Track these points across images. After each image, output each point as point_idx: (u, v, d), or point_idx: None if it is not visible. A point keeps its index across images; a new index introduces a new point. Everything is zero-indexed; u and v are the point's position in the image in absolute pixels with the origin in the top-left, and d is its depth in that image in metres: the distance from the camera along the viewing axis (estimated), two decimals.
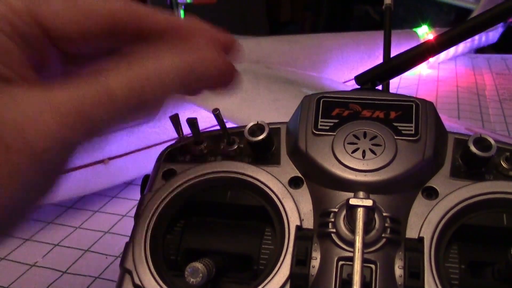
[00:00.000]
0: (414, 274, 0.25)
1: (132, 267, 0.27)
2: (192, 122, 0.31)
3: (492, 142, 0.27)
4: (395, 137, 0.28)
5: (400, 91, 0.98)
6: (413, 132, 0.28)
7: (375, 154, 0.28)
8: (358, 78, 0.35)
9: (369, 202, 0.24)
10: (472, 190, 0.27)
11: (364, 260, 0.24)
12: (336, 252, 0.26)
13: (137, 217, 0.29)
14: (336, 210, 0.27)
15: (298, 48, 0.91)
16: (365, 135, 0.29)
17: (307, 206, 0.28)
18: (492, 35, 1.30)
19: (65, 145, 0.21)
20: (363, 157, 0.28)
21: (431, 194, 0.28)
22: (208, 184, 0.29)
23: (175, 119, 0.33)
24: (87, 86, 0.21)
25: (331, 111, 0.30)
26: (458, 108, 0.90)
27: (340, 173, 0.27)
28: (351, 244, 0.24)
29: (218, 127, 0.31)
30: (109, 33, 0.24)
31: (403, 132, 0.29)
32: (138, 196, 0.31)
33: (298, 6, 2.03)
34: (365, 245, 0.24)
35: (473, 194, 0.27)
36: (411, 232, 0.26)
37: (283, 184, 0.28)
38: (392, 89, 0.38)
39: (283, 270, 0.25)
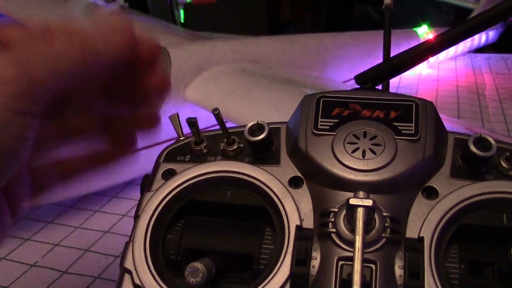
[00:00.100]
0: (414, 274, 0.25)
1: (132, 267, 0.27)
2: (192, 122, 0.31)
3: (492, 142, 0.27)
4: (395, 137, 0.28)
5: (400, 91, 0.98)
6: (413, 131, 0.28)
7: (375, 154, 0.28)
8: (358, 78, 0.35)
9: (369, 202, 0.24)
10: (472, 190, 0.27)
11: (364, 260, 0.24)
12: (336, 252, 0.26)
13: (137, 217, 0.29)
14: (336, 210, 0.27)
15: (298, 48, 0.91)
16: (365, 134, 0.29)
17: (307, 206, 0.28)
18: (492, 35, 1.30)
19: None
20: (363, 156, 0.28)
21: (431, 194, 0.28)
22: (208, 184, 0.29)
23: (174, 119, 0.33)
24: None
25: (331, 110, 0.30)
26: (458, 107, 0.90)
27: (340, 173, 0.27)
28: (351, 244, 0.24)
29: (218, 127, 0.31)
30: None
31: (403, 131, 0.29)
32: (138, 195, 0.31)
33: (298, 6, 2.03)
34: (365, 245, 0.24)
35: (473, 194, 0.27)
36: (411, 232, 0.26)
37: (283, 184, 0.28)
38: (392, 89, 0.38)
39: (283, 270, 0.25)
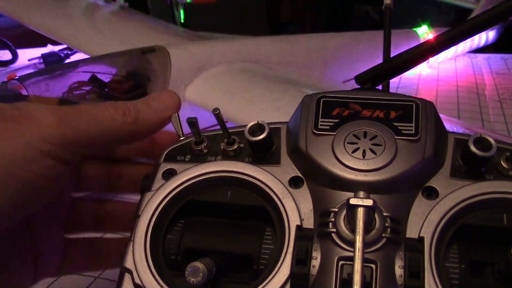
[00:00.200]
0: (414, 274, 0.25)
1: (132, 267, 0.27)
2: (192, 122, 0.31)
3: (492, 142, 0.27)
4: (395, 137, 0.28)
5: (400, 91, 0.98)
6: (413, 132, 0.28)
7: (375, 154, 0.28)
8: (358, 78, 0.35)
9: (369, 202, 0.24)
10: (472, 190, 0.27)
11: (365, 260, 0.24)
12: (336, 251, 0.26)
13: (137, 216, 0.29)
14: (336, 209, 0.27)
15: (298, 48, 0.91)
16: (365, 134, 0.29)
17: (307, 206, 0.28)
18: (492, 35, 1.30)
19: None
20: (363, 156, 0.28)
21: (431, 194, 0.28)
22: (208, 184, 0.29)
23: (175, 119, 0.33)
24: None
25: (331, 110, 0.30)
26: (458, 107, 0.90)
27: (340, 172, 0.27)
28: (352, 243, 0.24)
29: (218, 127, 0.31)
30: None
31: (403, 132, 0.29)
32: (138, 196, 0.31)
33: (298, 6, 2.03)
34: (365, 244, 0.24)
35: (473, 194, 0.27)
36: (411, 232, 0.26)
37: (283, 184, 0.28)
38: (392, 89, 0.38)
39: (284, 270, 0.25)
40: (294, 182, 0.29)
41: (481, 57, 1.24)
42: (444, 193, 0.27)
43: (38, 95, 0.62)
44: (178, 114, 0.34)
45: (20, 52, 1.15)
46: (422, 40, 1.02)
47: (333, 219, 0.26)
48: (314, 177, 0.28)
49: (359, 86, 0.35)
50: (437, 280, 0.24)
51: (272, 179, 0.28)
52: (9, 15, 1.06)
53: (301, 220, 0.27)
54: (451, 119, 0.72)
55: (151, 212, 0.28)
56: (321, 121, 0.30)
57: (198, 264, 0.25)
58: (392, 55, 0.35)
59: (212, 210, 0.29)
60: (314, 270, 0.25)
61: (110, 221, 0.37)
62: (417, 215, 0.27)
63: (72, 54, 1.08)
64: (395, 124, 0.29)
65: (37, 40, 1.11)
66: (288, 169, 0.29)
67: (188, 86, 0.73)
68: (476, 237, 0.27)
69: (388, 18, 0.37)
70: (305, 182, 0.29)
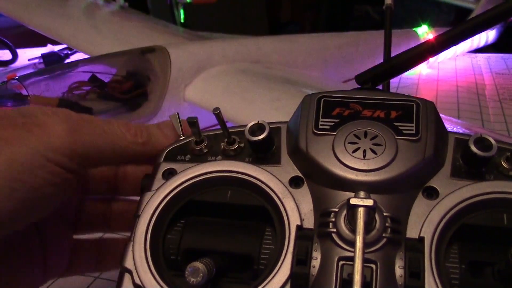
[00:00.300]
0: (415, 274, 0.25)
1: (132, 267, 0.27)
2: (193, 122, 0.31)
3: (493, 142, 0.27)
4: (396, 137, 0.28)
5: (400, 91, 0.98)
6: (413, 132, 0.28)
7: (375, 153, 0.28)
8: (358, 78, 0.35)
9: (369, 202, 0.24)
10: (473, 190, 0.27)
11: (365, 260, 0.24)
12: (336, 252, 0.26)
13: (137, 216, 0.29)
14: (336, 209, 0.26)
15: (298, 48, 0.91)
16: (365, 134, 0.29)
17: (307, 206, 0.28)
18: (492, 35, 1.30)
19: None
20: (364, 156, 0.28)
21: (432, 194, 0.27)
22: (208, 184, 0.29)
23: (175, 118, 0.33)
24: None
25: (331, 110, 0.30)
26: (458, 107, 0.90)
27: (340, 172, 0.27)
28: (352, 244, 0.24)
29: (218, 127, 0.31)
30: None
31: (404, 132, 0.29)
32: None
33: (298, 6, 2.03)
34: (366, 244, 0.24)
35: (474, 194, 0.27)
36: (412, 232, 0.26)
37: (283, 183, 0.28)
38: (392, 89, 0.38)
39: (284, 270, 0.25)
40: (295, 182, 0.29)
41: (481, 57, 1.24)
42: (444, 193, 0.27)
43: (38, 95, 0.62)
44: (178, 113, 0.34)
45: (20, 52, 1.15)
46: (422, 40, 1.02)
47: (333, 219, 0.26)
48: (314, 177, 0.28)
49: (360, 86, 0.35)
50: (437, 280, 0.24)
51: (272, 179, 0.28)
52: (9, 15, 1.06)
53: (301, 220, 0.27)
54: (451, 119, 0.72)
55: (151, 212, 0.28)
56: (321, 121, 0.30)
57: (198, 264, 0.25)
58: (392, 55, 0.35)
59: (212, 210, 0.29)
60: (314, 270, 0.25)
61: (117, 221, 0.38)
62: (418, 215, 0.27)
63: (72, 54, 1.08)
64: (396, 124, 0.29)
65: (37, 40, 1.11)
66: (289, 169, 0.29)
67: (188, 86, 0.73)
68: (477, 237, 0.27)
69: (389, 18, 0.37)
70: (305, 182, 0.29)
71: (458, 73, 1.11)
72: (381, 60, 0.36)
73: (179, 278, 0.27)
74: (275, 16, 2.02)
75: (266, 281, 0.25)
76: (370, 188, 0.26)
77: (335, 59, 0.95)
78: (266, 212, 0.28)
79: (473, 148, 0.27)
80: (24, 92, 0.61)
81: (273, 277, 0.25)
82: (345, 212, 0.26)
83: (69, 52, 1.08)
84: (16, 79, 0.63)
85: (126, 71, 0.71)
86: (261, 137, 0.29)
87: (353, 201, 0.24)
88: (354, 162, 0.28)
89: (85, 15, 1.08)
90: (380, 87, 0.36)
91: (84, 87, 0.67)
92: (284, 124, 0.32)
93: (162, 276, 0.26)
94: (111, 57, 0.73)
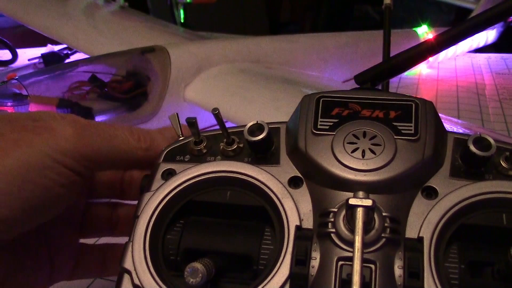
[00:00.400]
0: (414, 274, 0.25)
1: (132, 267, 0.27)
2: (192, 122, 0.31)
3: (492, 141, 0.27)
4: (395, 137, 0.28)
5: (399, 91, 0.98)
6: (412, 131, 0.28)
7: (374, 153, 0.28)
8: (357, 78, 0.35)
9: (368, 202, 0.24)
10: (472, 189, 0.27)
11: (364, 260, 0.24)
12: (335, 252, 0.26)
13: (136, 217, 0.29)
14: (335, 210, 0.26)
15: (298, 48, 0.91)
16: (364, 134, 0.29)
17: (306, 206, 0.28)
18: (492, 35, 1.30)
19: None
20: (363, 156, 0.28)
21: (431, 193, 0.27)
22: (208, 184, 0.29)
23: (174, 119, 0.33)
24: None
25: (330, 110, 0.30)
26: (457, 107, 0.90)
27: (339, 172, 0.27)
28: (351, 244, 0.24)
29: (217, 127, 0.31)
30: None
31: (403, 131, 0.29)
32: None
33: (298, 6, 2.03)
34: (365, 245, 0.24)
35: (473, 193, 0.27)
36: (411, 232, 0.26)
37: (282, 184, 0.28)
38: (391, 89, 0.38)
39: (283, 270, 0.25)
40: (294, 182, 0.29)
41: (481, 57, 1.24)
42: (443, 193, 0.27)
43: (38, 95, 0.62)
44: (177, 114, 0.34)
45: (20, 52, 1.15)
46: (422, 40, 1.02)
47: (332, 219, 0.26)
48: (313, 177, 0.28)
49: (359, 86, 0.35)
50: (436, 280, 0.24)
51: (272, 179, 0.28)
52: (9, 15, 1.06)
53: (301, 220, 0.27)
54: (451, 119, 0.72)
55: (150, 213, 0.28)
56: (320, 121, 0.30)
57: (198, 265, 0.25)
58: (392, 55, 0.35)
59: (212, 210, 0.29)
60: (313, 271, 0.25)
61: (122, 225, 0.38)
62: (417, 215, 0.27)
63: (72, 54, 1.08)
64: (395, 124, 0.29)
65: (37, 40, 1.11)
66: (288, 169, 0.29)
67: (188, 86, 0.73)
68: (476, 237, 0.27)
69: (387, 17, 0.37)
70: (304, 182, 0.29)
71: (458, 73, 1.11)
72: (381, 60, 0.36)
73: (178, 278, 0.27)
74: (275, 16, 2.02)
75: (266, 281, 0.25)
76: (369, 188, 0.26)
77: (335, 59, 0.95)
78: (265, 212, 0.28)
79: (472, 148, 0.27)
80: (24, 92, 0.62)
81: (272, 277, 0.25)
82: (344, 212, 0.26)
83: (69, 52, 1.08)
84: (16, 79, 0.63)
85: (126, 71, 0.71)
86: (260, 137, 0.29)
87: (352, 201, 0.24)
88: (353, 162, 0.28)
89: (85, 15, 1.08)
90: (379, 87, 0.36)
91: (84, 87, 0.67)
92: (283, 124, 0.32)
93: (161, 276, 0.26)
94: (111, 57, 0.73)
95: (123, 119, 0.67)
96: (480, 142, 0.27)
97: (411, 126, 0.29)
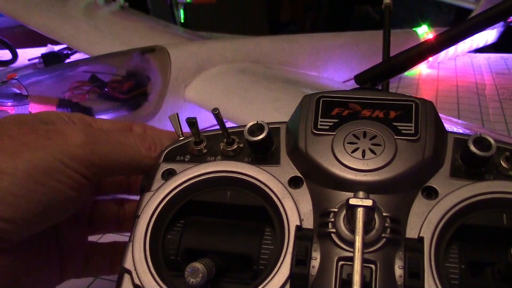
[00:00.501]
0: (414, 274, 0.25)
1: (132, 267, 0.27)
2: (192, 122, 0.31)
3: (492, 141, 0.27)
4: (395, 137, 0.28)
5: (399, 91, 0.98)
6: (413, 131, 0.28)
7: (375, 153, 0.28)
8: (357, 78, 0.35)
9: (369, 202, 0.24)
10: (472, 190, 0.27)
11: (364, 260, 0.24)
12: (336, 252, 0.26)
13: (137, 217, 0.29)
14: (336, 210, 0.26)
15: (298, 48, 0.91)
16: (364, 134, 0.29)
17: (307, 206, 0.28)
18: (492, 35, 1.30)
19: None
20: (363, 156, 0.28)
21: (431, 194, 0.27)
22: (208, 184, 0.29)
23: (174, 119, 0.33)
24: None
25: (330, 110, 0.30)
26: (458, 107, 0.90)
27: (339, 172, 0.27)
28: (351, 244, 0.24)
29: (217, 127, 0.31)
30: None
31: (403, 131, 0.29)
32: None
33: (298, 6, 2.03)
34: (365, 245, 0.24)
35: (473, 194, 0.27)
36: (411, 232, 0.26)
37: (282, 184, 0.28)
38: (391, 89, 0.38)
39: (283, 270, 0.25)
40: (294, 182, 0.29)
41: (481, 57, 1.24)
42: (443, 193, 0.27)
43: (38, 95, 0.62)
44: (177, 114, 0.34)
45: (20, 52, 1.15)
46: (422, 40, 1.02)
47: (332, 219, 0.26)
48: (313, 177, 0.28)
49: (359, 86, 0.35)
50: (436, 281, 0.24)
51: (272, 179, 0.28)
52: (9, 15, 1.06)
53: (301, 220, 0.27)
54: (451, 119, 0.72)
55: (151, 213, 0.28)
56: (320, 121, 0.30)
57: (198, 265, 0.25)
58: (392, 55, 0.35)
59: (212, 210, 0.29)
60: (313, 271, 0.25)
61: (129, 221, 0.38)
62: (417, 215, 0.27)
63: (72, 54, 1.08)
64: (395, 124, 0.29)
65: (37, 40, 1.11)
66: (288, 169, 0.29)
67: (188, 86, 0.73)
68: (476, 237, 0.27)
69: (387, 17, 0.37)
70: (304, 182, 0.29)
71: (458, 73, 1.11)
72: (381, 60, 0.36)
73: (178, 278, 0.27)
74: (275, 16, 2.02)
75: (266, 281, 0.25)
76: (369, 188, 0.26)
77: (335, 59, 0.95)
78: (266, 212, 0.28)
79: (472, 148, 0.27)
80: (24, 92, 0.62)
81: (272, 277, 0.25)
82: (344, 212, 0.26)
83: (69, 52, 1.08)
84: (16, 79, 0.63)
85: (126, 71, 0.71)
86: (260, 137, 0.29)
87: (352, 201, 0.24)
88: (353, 162, 0.28)
89: (85, 15, 1.08)
90: (379, 87, 0.36)
91: (84, 87, 0.67)
92: (284, 124, 0.32)
93: (162, 276, 0.26)
94: (111, 57, 0.73)
95: (123, 119, 0.67)
96: (480, 142, 0.27)
97: (411, 126, 0.29)
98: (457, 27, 0.32)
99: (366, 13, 1.92)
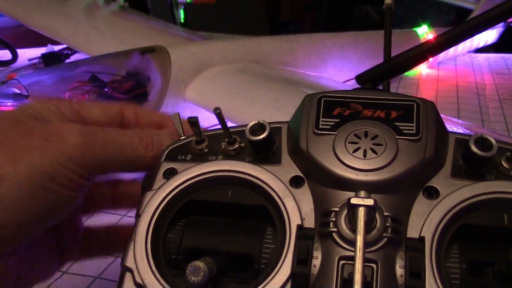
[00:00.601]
0: (415, 274, 0.25)
1: (133, 266, 0.27)
2: (193, 121, 0.31)
3: (493, 142, 0.27)
4: (396, 137, 0.28)
5: (400, 91, 0.98)
6: (414, 131, 0.28)
7: (376, 153, 0.28)
8: (358, 78, 0.35)
9: (370, 202, 0.24)
10: (473, 190, 0.27)
11: (365, 260, 0.24)
12: (337, 251, 0.26)
13: (138, 216, 0.29)
14: (337, 209, 0.27)
15: (298, 48, 0.91)
16: (366, 134, 0.29)
17: (308, 206, 0.28)
18: (493, 35, 1.30)
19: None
20: (364, 156, 0.28)
21: (432, 193, 0.28)
22: (209, 183, 0.29)
23: (176, 118, 0.33)
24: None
25: (332, 110, 0.30)
26: (458, 107, 0.90)
27: (341, 172, 0.27)
28: (352, 243, 0.24)
29: (219, 126, 0.31)
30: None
31: (404, 131, 0.29)
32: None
33: (298, 6, 2.03)
34: (366, 244, 0.24)
35: (474, 194, 0.27)
36: (412, 232, 0.26)
37: (284, 183, 0.28)
38: (392, 89, 0.38)
39: (284, 270, 0.25)
40: (295, 182, 0.29)
41: (481, 57, 1.24)
42: (444, 193, 0.27)
43: (38, 95, 0.62)
44: (179, 113, 0.34)
45: (20, 52, 1.15)
46: (422, 40, 1.02)
47: (334, 219, 0.26)
48: (315, 176, 0.28)
49: (360, 86, 0.35)
50: (437, 280, 0.24)
51: (273, 179, 0.28)
52: (9, 15, 1.06)
53: (302, 219, 0.27)
54: (451, 119, 0.72)
55: (152, 212, 0.28)
56: (322, 121, 0.30)
57: (199, 263, 0.25)
58: (392, 55, 0.35)
59: (213, 209, 0.29)
60: (315, 270, 0.25)
61: (124, 200, 0.39)
62: (418, 215, 0.27)
63: (72, 54, 1.08)
64: (396, 124, 0.29)
65: (37, 40, 1.11)
66: (289, 168, 0.29)
67: (188, 86, 0.73)
68: (477, 237, 0.27)
69: (388, 18, 0.37)
70: (306, 182, 0.29)
71: (458, 73, 1.11)
72: (381, 60, 0.36)
73: (180, 277, 0.27)
74: (275, 16, 2.02)
75: (267, 281, 0.25)
76: (370, 188, 0.26)
77: (335, 59, 0.95)
78: (267, 212, 0.28)
79: (474, 148, 0.27)
80: (24, 92, 0.62)
81: (273, 276, 0.25)
82: (345, 211, 0.26)
83: (69, 52, 1.08)
84: (16, 79, 0.63)
85: (126, 71, 0.72)
86: (261, 136, 0.29)
87: (354, 200, 0.24)
88: (355, 161, 0.28)
89: (85, 15, 1.08)
90: (380, 87, 0.36)
91: (84, 87, 0.67)
92: (285, 124, 0.32)
93: (163, 275, 0.26)
94: (111, 57, 0.73)
95: None
96: (482, 142, 0.27)
97: (413, 126, 0.29)
98: (457, 27, 0.32)
99: (366, 13, 1.92)
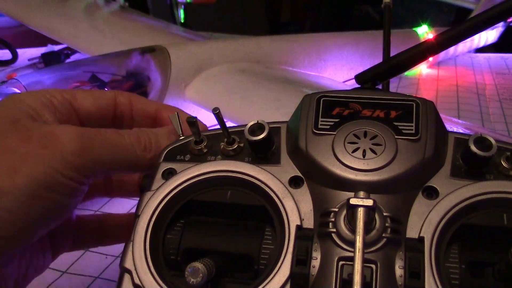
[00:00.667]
0: (415, 274, 0.25)
1: (132, 267, 0.27)
2: (192, 122, 0.31)
3: (493, 141, 0.27)
4: (396, 137, 0.28)
5: (400, 91, 0.98)
6: (413, 131, 0.28)
7: (375, 153, 0.28)
8: (358, 77, 0.35)
9: (369, 202, 0.24)
10: (473, 189, 0.27)
11: (365, 260, 0.24)
12: (336, 252, 0.26)
13: (137, 216, 0.29)
14: (336, 209, 0.26)
15: (298, 48, 0.91)
16: (365, 134, 0.29)
17: (307, 206, 0.28)
18: (493, 35, 1.30)
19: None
20: (364, 156, 0.28)
21: (432, 193, 0.27)
22: (208, 184, 0.29)
23: (175, 118, 0.33)
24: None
25: (331, 110, 0.30)
26: (458, 107, 0.90)
27: (340, 172, 0.27)
28: (352, 244, 0.24)
29: (218, 127, 0.31)
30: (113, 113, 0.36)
31: (404, 131, 0.29)
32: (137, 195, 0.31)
33: (298, 6, 2.03)
34: (366, 245, 0.24)
35: (474, 193, 0.27)
36: (412, 232, 0.26)
37: (283, 183, 0.28)
38: (392, 89, 0.38)
39: (283, 270, 0.25)
40: (294, 182, 0.29)
41: (481, 57, 1.24)
42: (444, 193, 0.27)
43: None
44: (178, 113, 0.34)
45: (20, 52, 1.15)
46: (422, 40, 1.02)
47: (333, 219, 0.26)
48: (314, 176, 0.28)
49: (359, 86, 0.35)
50: (437, 280, 0.24)
51: (272, 179, 0.28)
52: (9, 15, 1.06)
53: (301, 220, 0.27)
54: (451, 119, 0.72)
55: (151, 212, 0.28)
56: (321, 121, 0.30)
57: (198, 265, 0.25)
58: (392, 54, 0.35)
59: (212, 210, 0.29)
60: (314, 270, 0.25)
61: (116, 188, 0.40)
62: (417, 215, 0.27)
63: (72, 54, 1.08)
64: (396, 123, 0.29)
65: (37, 40, 1.11)
66: (288, 168, 0.29)
67: (188, 86, 0.73)
68: (477, 237, 0.27)
69: (387, 16, 0.37)
70: (305, 182, 0.29)
71: (458, 73, 1.11)
72: (381, 60, 0.36)
73: (179, 278, 0.27)
74: (275, 16, 2.02)
75: (266, 281, 0.25)
76: (370, 188, 0.26)
77: (335, 59, 0.95)
78: (266, 212, 0.28)
79: (473, 148, 0.27)
80: None
81: (273, 277, 0.25)
82: (345, 212, 0.26)
83: (69, 52, 1.08)
84: (16, 79, 0.63)
85: (126, 71, 0.71)
86: (260, 137, 0.29)
87: (353, 201, 0.24)
88: (354, 162, 0.28)
89: (85, 15, 1.08)
90: (380, 86, 0.36)
91: (84, 87, 0.67)
92: (284, 124, 0.32)
93: (162, 276, 0.26)
94: (111, 57, 0.73)
95: None
96: (481, 142, 0.27)
97: (412, 126, 0.29)
98: (457, 27, 0.32)
99: (366, 13, 1.92)
